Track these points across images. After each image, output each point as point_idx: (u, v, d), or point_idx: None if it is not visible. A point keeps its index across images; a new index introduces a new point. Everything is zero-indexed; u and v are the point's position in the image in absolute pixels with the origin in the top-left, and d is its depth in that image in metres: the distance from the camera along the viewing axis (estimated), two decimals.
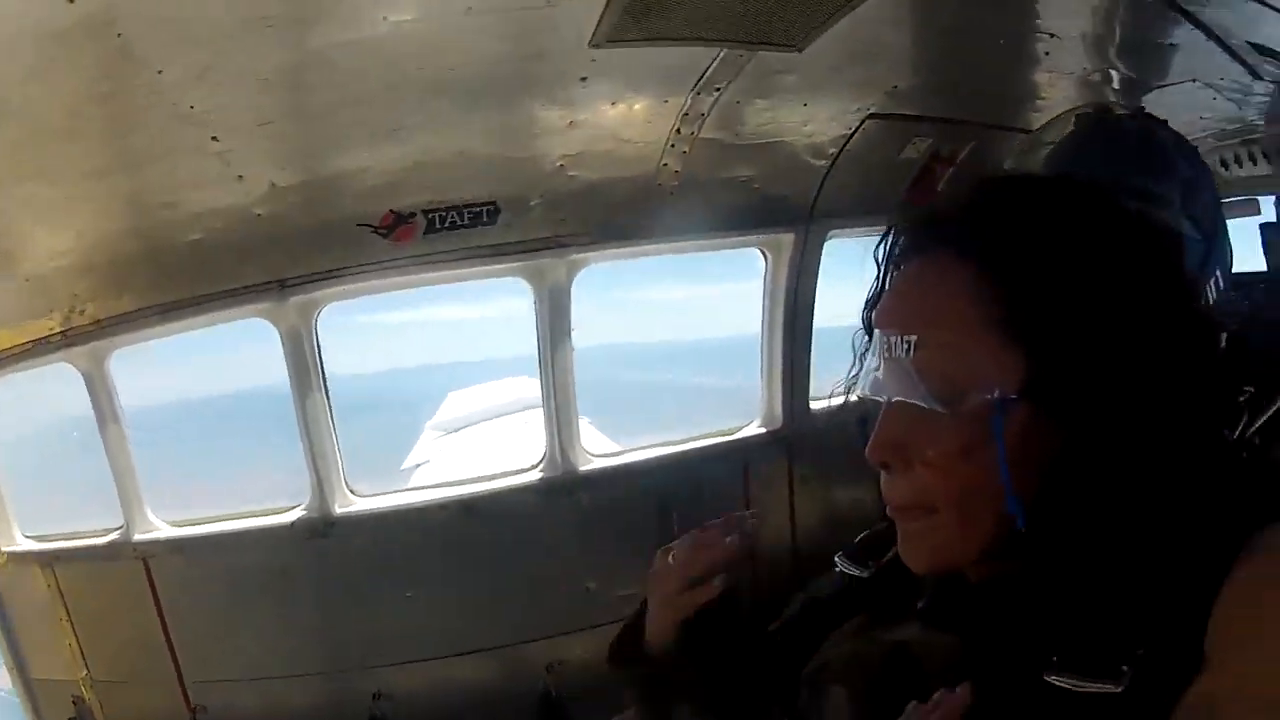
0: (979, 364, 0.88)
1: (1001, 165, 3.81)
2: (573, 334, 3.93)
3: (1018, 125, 4.03)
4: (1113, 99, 3.72)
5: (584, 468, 4.10)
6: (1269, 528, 0.81)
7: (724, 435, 4.44)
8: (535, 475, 4.12)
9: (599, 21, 2.72)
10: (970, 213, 0.95)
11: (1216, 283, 1.55)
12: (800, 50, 3.05)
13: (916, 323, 0.92)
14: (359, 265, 3.62)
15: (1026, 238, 0.88)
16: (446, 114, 3.14)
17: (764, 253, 4.21)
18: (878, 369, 0.96)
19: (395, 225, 3.52)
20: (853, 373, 1.04)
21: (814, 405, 4.37)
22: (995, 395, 0.86)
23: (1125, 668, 0.78)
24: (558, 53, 2.95)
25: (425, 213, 3.53)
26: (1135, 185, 1.50)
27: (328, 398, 3.82)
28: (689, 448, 4.35)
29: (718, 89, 3.31)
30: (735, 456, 4.36)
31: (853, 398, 1.02)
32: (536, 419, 4.19)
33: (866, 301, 1.03)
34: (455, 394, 10.64)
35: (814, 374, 4.32)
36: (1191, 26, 3.09)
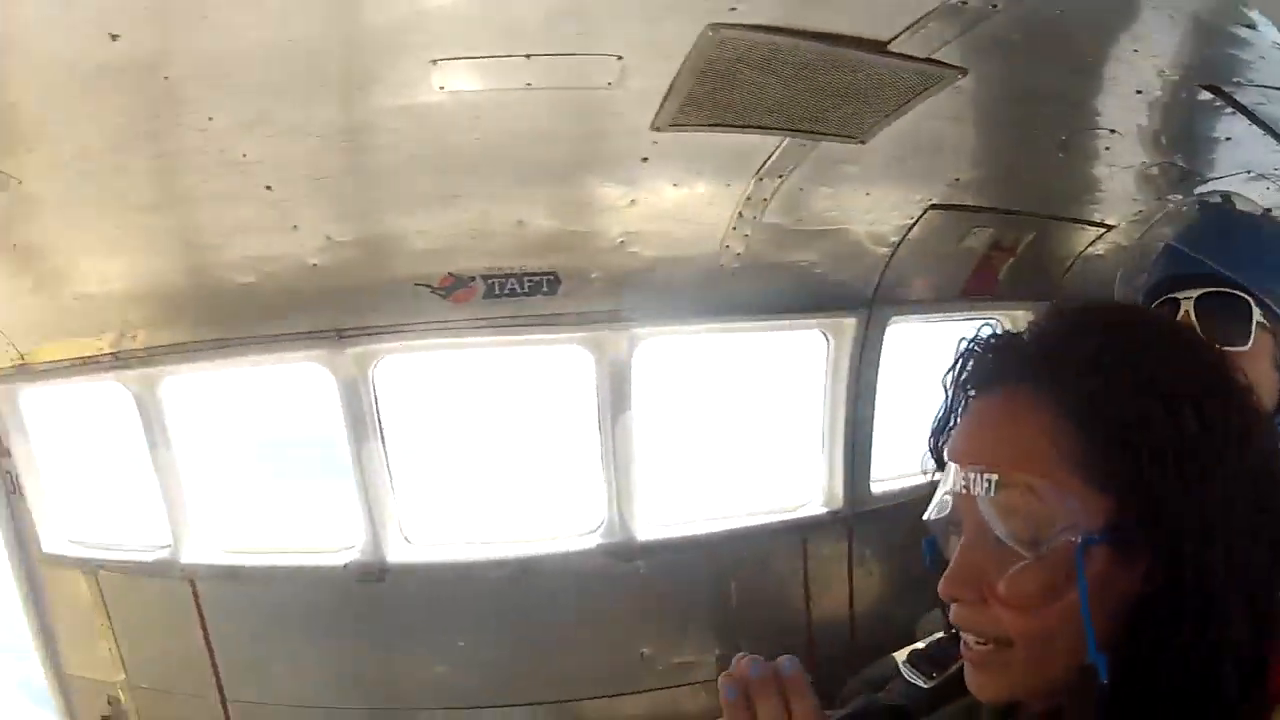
0: (1063, 505, 0.85)
1: (1060, 255, 4.40)
2: (633, 404, 3.80)
3: (1077, 216, 4.13)
4: (1168, 190, 3.84)
5: (642, 537, 3.96)
6: None
7: (784, 512, 4.33)
8: (594, 540, 3.98)
9: (661, 105, 2.65)
10: (1048, 348, 0.91)
11: None
12: (863, 142, 3.03)
13: (998, 461, 0.88)
14: (417, 323, 3.51)
15: (1107, 378, 0.85)
16: (504, 185, 3.05)
17: (825, 334, 4.11)
18: (949, 497, 0.94)
19: (454, 287, 3.40)
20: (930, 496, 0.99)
21: (874, 487, 4.33)
22: (1079, 538, 0.84)
23: None
24: (619, 132, 2.87)
25: (484, 278, 3.42)
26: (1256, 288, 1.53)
27: (384, 445, 3.72)
28: (749, 523, 4.24)
29: (780, 176, 3.25)
30: (794, 533, 4.29)
31: (931, 516, 0.98)
32: (592, 483, 4.01)
33: (934, 428, 1.00)
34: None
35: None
36: (1246, 119, 3.08)
